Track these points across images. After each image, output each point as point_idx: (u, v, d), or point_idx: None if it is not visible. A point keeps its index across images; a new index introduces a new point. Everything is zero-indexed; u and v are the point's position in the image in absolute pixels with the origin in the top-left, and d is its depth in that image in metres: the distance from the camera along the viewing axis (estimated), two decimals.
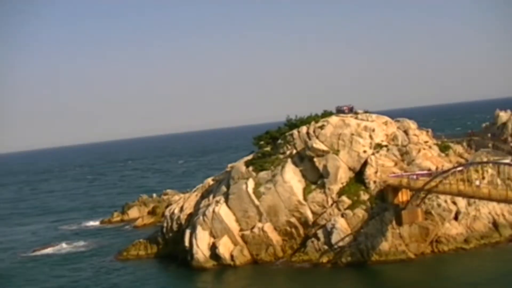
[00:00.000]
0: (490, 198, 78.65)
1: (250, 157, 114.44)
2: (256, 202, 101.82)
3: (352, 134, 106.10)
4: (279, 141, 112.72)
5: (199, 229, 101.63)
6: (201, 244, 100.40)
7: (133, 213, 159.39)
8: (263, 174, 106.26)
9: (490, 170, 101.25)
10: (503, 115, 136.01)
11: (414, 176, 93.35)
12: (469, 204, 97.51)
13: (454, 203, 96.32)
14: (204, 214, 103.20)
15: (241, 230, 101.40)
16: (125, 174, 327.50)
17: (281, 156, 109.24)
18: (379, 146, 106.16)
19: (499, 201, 79.62)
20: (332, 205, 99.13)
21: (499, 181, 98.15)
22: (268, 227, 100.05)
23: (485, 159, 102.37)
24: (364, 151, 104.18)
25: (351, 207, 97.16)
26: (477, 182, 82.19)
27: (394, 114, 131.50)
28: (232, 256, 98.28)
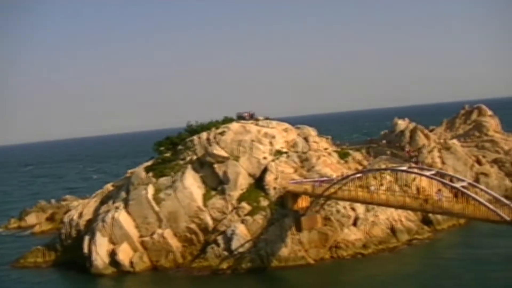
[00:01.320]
0: (387, 204, 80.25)
1: (150, 163, 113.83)
2: (156, 208, 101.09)
3: (253, 141, 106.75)
4: (180, 147, 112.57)
5: (98, 236, 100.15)
6: (100, 250, 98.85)
7: (31, 219, 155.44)
8: (163, 180, 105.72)
9: (388, 177, 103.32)
10: (401, 123, 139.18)
11: (317, 183, 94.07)
12: (367, 210, 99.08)
13: (353, 209, 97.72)
14: (103, 220, 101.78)
15: (140, 236, 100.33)
16: (23, 180, 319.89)
17: (181, 162, 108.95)
18: (279, 152, 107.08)
19: (396, 207, 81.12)
20: (232, 211, 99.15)
21: (396, 188, 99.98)
22: (168, 233, 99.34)
23: (383, 166, 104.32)
24: (264, 158, 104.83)
25: (251, 213, 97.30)
26: (372, 188, 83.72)
27: (295, 121, 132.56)
28: (131, 263, 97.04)
